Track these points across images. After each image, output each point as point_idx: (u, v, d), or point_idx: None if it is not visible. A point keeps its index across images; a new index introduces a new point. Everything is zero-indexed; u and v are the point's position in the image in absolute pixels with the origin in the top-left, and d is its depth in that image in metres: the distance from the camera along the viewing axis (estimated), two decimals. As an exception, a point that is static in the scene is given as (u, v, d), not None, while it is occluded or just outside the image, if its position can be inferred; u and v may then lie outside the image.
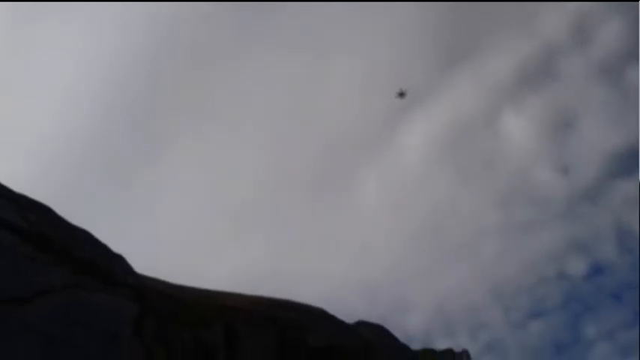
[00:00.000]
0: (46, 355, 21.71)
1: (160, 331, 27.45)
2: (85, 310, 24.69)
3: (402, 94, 52.42)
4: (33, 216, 28.91)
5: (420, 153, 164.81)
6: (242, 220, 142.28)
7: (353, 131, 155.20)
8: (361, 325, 45.76)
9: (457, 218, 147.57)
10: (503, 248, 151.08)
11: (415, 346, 44.44)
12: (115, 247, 32.92)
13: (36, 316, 22.75)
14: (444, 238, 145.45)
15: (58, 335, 22.73)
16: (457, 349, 33.96)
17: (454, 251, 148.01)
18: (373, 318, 46.19)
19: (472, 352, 32.13)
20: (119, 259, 32.14)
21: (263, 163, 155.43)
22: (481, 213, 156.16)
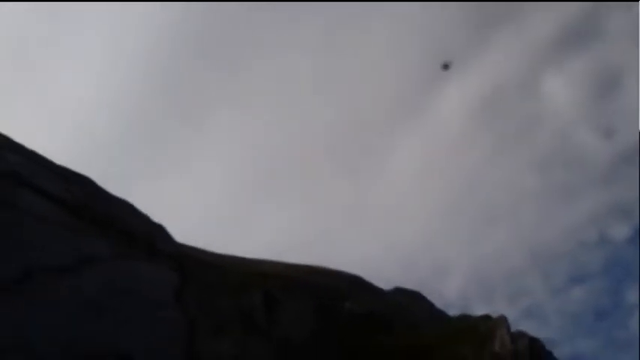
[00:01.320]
0: (94, 321, 22.56)
1: (202, 298, 28.17)
2: (129, 279, 25.46)
3: (446, 66, 50.87)
4: (75, 188, 29.75)
5: (457, 117, 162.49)
6: (278, 187, 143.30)
7: (390, 96, 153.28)
8: (397, 291, 46.09)
9: (495, 183, 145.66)
10: (543, 213, 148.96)
11: (452, 312, 44.74)
12: (155, 216, 33.77)
13: (82, 284, 23.57)
14: (482, 203, 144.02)
15: (105, 303, 23.55)
16: (495, 315, 33.92)
17: (492, 216, 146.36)
18: (410, 284, 46.48)
19: (511, 318, 32.11)
20: (159, 229, 32.95)
21: (300, 130, 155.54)
22: (520, 177, 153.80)
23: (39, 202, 25.80)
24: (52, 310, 21.71)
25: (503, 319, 31.96)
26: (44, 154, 31.91)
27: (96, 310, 23.09)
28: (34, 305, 21.41)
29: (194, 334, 26.06)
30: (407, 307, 42.72)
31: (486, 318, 35.17)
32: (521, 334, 29.99)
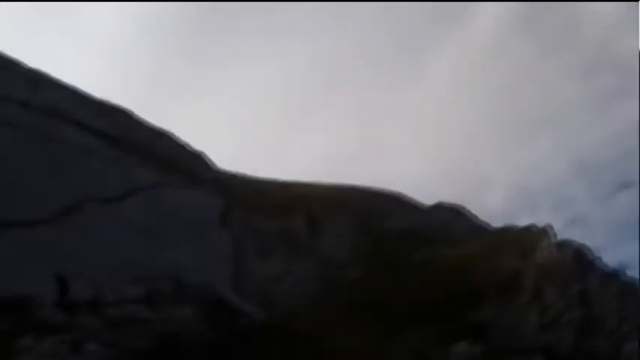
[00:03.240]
0: (144, 247, 23.53)
1: (246, 221, 28.91)
2: (174, 206, 26.25)
3: None
4: (115, 120, 30.34)
5: (497, 23, 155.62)
6: (313, 105, 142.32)
7: (428, 3, 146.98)
8: (438, 207, 46.07)
9: (538, 90, 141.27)
10: (587, 120, 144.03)
11: (495, 224, 44.62)
12: (194, 143, 34.36)
13: (130, 211, 24.45)
14: (523, 112, 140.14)
15: (152, 228, 24.44)
16: (540, 225, 33.73)
17: (533, 126, 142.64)
18: (451, 199, 46.31)
19: (555, 227, 31.87)
20: (200, 157, 33.58)
21: (334, 47, 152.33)
22: (563, 84, 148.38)
23: (82, 136, 26.47)
24: (103, 237, 22.69)
25: (547, 229, 31.77)
26: (83, 88, 32.44)
27: (145, 236, 24.01)
28: (86, 234, 22.40)
29: (240, 255, 26.95)
30: (448, 222, 42.86)
31: (530, 228, 34.98)
32: (566, 243, 29.81)
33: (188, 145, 33.82)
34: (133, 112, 33.46)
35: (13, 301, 18.59)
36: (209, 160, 33.75)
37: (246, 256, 27.29)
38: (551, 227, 31.82)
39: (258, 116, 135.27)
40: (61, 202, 22.61)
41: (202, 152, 33.87)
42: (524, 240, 32.31)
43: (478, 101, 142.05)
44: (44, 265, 20.18)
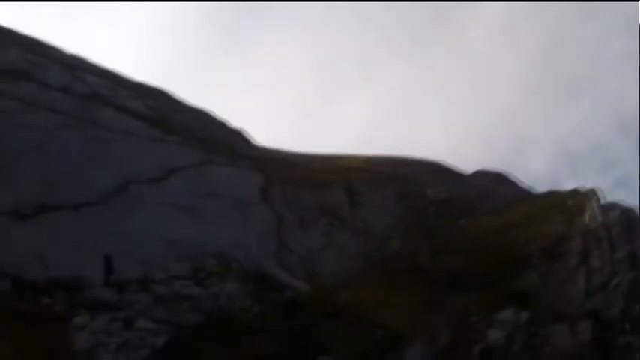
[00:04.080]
0: (188, 225, 24.01)
1: (286, 196, 29.13)
2: (216, 183, 26.63)
3: None
4: (154, 102, 30.78)
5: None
6: (351, 81, 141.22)
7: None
8: (479, 174, 45.53)
9: (578, 49, 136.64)
10: (631, 78, 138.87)
11: (539, 189, 43.85)
12: (233, 121, 34.63)
13: (173, 191, 24.91)
14: (564, 73, 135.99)
15: (195, 207, 24.89)
16: (585, 188, 32.93)
17: (575, 86, 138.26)
18: (493, 165, 45.68)
19: (602, 190, 31.11)
20: (239, 134, 33.85)
21: (366, 18, 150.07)
22: (605, 42, 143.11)
23: (122, 118, 26.97)
24: (148, 217, 23.23)
25: (592, 192, 31.05)
26: (120, 72, 32.98)
27: (188, 214, 24.49)
28: (132, 214, 22.98)
29: (282, 229, 27.24)
30: (490, 189, 42.32)
31: (575, 192, 34.24)
32: (613, 206, 29.08)
33: (227, 122, 34.12)
34: (171, 93, 33.89)
35: (66, 281, 19.32)
36: (248, 136, 34.01)
37: (288, 231, 27.56)
38: (597, 190, 31.08)
39: (296, 92, 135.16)
40: (105, 185, 23.20)
41: (241, 129, 34.14)
42: (569, 204, 31.68)
43: (517, 64, 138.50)
44: (93, 246, 20.84)
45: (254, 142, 34.15)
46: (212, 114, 34.25)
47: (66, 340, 16.61)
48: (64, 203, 21.59)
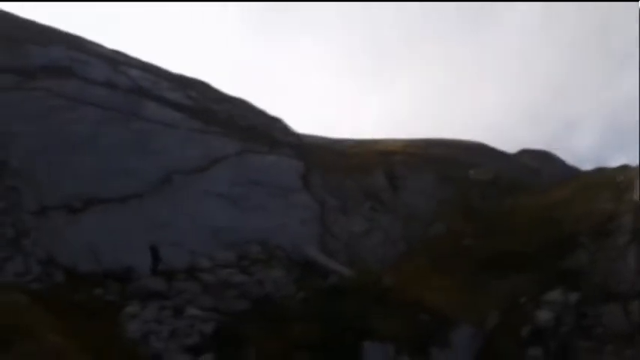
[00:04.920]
0: (232, 212, 24.34)
1: (327, 181, 29.18)
2: (257, 171, 26.85)
3: None
4: (195, 93, 31.10)
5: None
6: (392, 59, 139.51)
7: None
8: (524, 153, 44.69)
9: (624, 22, 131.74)
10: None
11: (586, 166, 42.85)
12: (271, 110, 34.76)
13: (216, 180, 25.24)
14: (613, 47, 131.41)
15: (238, 195, 25.18)
16: (635, 164, 31.95)
17: (622, 59, 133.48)
18: (538, 144, 44.78)
19: (652, 164, 30.13)
20: (278, 121, 33.94)
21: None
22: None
23: (164, 111, 27.36)
24: (193, 207, 23.62)
25: (644, 168, 30.15)
26: (160, 65, 33.43)
27: (231, 202, 24.80)
28: (177, 205, 23.40)
29: (324, 215, 27.32)
30: (535, 168, 41.50)
31: (624, 168, 33.26)
32: (664, 181, 28.19)
33: (265, 111, 34.27)
34: (210, 84, 34.20)
35: (116, 272, 19.87)
36: (287, 124, 34.09)
37: (331, 216, 27.63)
38: (648, 165, 30.13)
39: (331, 77, 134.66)
40: (150, 176, 23.66)
41: (279, 117, 34.24)
42: (618, 181, 30.79)
43: (566, 39, 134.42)
44: (141, 237, 21.35)
45: (293, 130, 34.21)
46: (251, 103, 34.44)
47: (119, 329, 17.11)
48: (111, 196, 22.13)
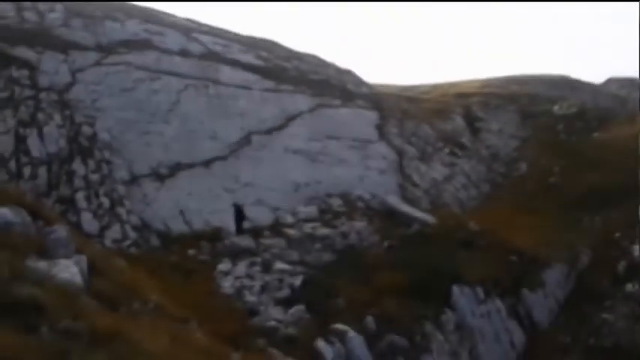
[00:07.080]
0: (311, 167, 24.67)
1: (404, 130, 28.88)
2: (333, 125, 26.94)
3: None
4: (264, 52, 31.29)
5: None
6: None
7: None
8: (611, 82, 42.26)
9: None
10: None
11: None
12: (341, 62, 34.51)
13: (293, 137, 25.57)
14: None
15: (316, 150, 25.44)
16: None
17: None
18: (626, 72, 42.05)
19: None
20: (349, 73, 33.66)
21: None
22: None
23: (239, 73, 27.76)
24: (273, 165, 24.13)
25: None
26: (228, 28, 33.77)
27: (310, 157, 25.12)
28: (258, 163, 23.97)
29: (403, 163, 27.15)
30: (624, 97, 39.18)
31: None
32: None
33: (335, 64, 34.05)
34: (278, 42, 34.28)
35: (206, 232, 20.74)
36: (358, 76, 33.77)
37: (410, 164, 27.44)
38: None
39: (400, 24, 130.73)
40: (230, 139, 24.29)
41: (350, 70, 33.94)
42: None
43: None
44: (226, 197, 22.10)
45: (364, 80, 33.86)
46: (320, 57, 34.29)
47: (214, 285, 17.95)
48: (195, 160, 22.92)
